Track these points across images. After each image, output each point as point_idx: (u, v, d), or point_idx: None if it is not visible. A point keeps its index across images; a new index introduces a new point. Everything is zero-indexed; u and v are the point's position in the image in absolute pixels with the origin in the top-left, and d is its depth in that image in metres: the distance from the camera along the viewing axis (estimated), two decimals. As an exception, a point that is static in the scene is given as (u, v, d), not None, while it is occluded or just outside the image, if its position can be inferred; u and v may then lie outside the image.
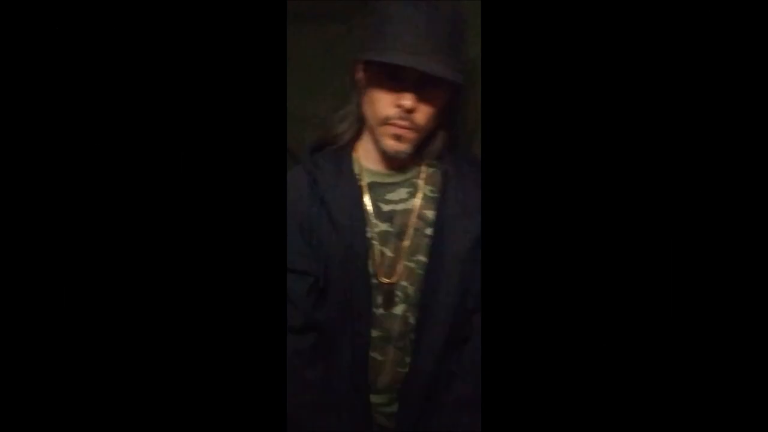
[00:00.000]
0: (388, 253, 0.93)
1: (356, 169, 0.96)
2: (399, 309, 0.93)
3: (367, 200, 0.94)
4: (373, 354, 0.93)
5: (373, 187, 0.95)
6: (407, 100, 0.85)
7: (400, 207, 0.95)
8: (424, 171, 0.96)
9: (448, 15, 0.86)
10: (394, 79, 0.86)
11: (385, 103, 0.88)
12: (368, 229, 0.93)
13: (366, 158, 0.97)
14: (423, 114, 0.88)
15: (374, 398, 0.95)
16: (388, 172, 0.96)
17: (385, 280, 0.92)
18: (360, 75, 0.92)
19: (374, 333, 0.93)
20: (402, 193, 0.95)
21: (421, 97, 0.87)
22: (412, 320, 0.93)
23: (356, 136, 0.98)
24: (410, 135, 0.89)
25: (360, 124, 0.96)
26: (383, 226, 0.94)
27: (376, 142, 0.93)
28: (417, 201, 0.95)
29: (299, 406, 0.92)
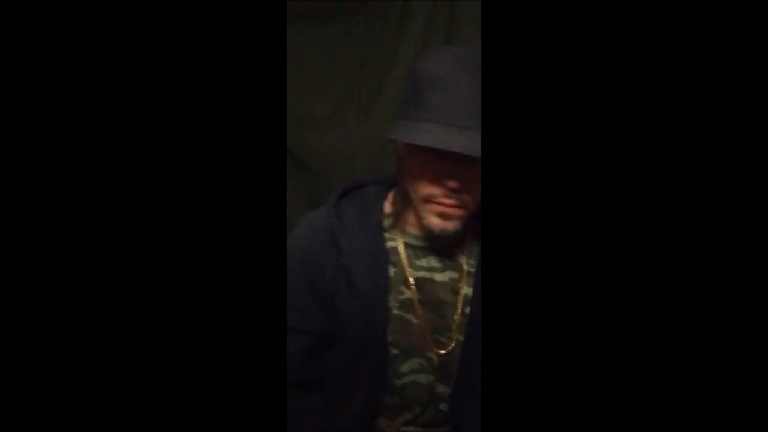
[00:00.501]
0: (414, 320, 0.85)
1: (387, 226, 0.87)
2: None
3: (393, 264, 0.85)
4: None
5: (406, 250, 0.86)
6: (452, 181, 0.75)
7: (432, 276, 0.86)
8: (470, 243, 0.86)
9: None
10: (437, 154, 0.74)
11: (427, 181, 0.77)
12: (391, 297, 0.84)
13: (404, 223, 0.87)
14: (472, 192, 0.77)
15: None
16: (436, 257, 0.86)
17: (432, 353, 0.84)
18: (399, 144, 0.82)
19: (392, 401, 0.87)
20: (435, 261, 0.86)
21: (469, 175, 0.75)
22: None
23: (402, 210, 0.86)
24: (458, 213, 0.79)
25: (406, 201, 0.84)
26: (408, 294, 0.85)
27: (420, 218, 0.82)
28: (453, 274, 0.86)
29: None
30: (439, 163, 0.75)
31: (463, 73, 0.73)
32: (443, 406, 0.87)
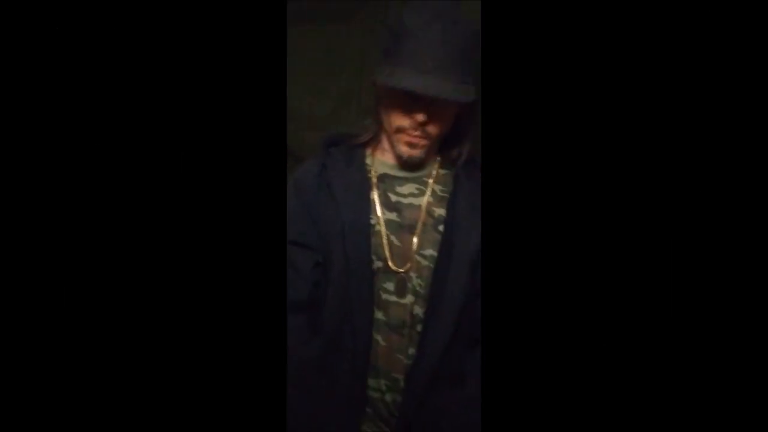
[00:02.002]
0: (396, 242, 0.96)
1: (368, 162, 1.00)
2: (407, 299, 0.95)
3: (375, 189, 0.98)
4: (376, 337, 0.94)
5: (383, 179, 0.99)
6: (420, 115, 0.90)
7: (407, 201, 0.98)
8: (436, 171, 1.00)
9: (465, 31, 0.89)
10: (408, 94, 0.89)
11: (399, 115, 0.93)
12: (373, 215, 0.96)
13: (381, 155, 1.01)
14: (436, 126, 0.93)
15: (371, 382, 0.96)
16: (401, 169, 1.00)
17: (396, 269, 0.94)
18: (377, 85, 0.95)
19: (378, 316, 0.94)
20: (411, 188, 0.99)
21: (434, 112, 0.91)
22: (418, 312, 0.94)
23: (374, 138, 1.02)
24: (423, 142, 0.94)
25: (378, 127, 1.00)
26: (391, 215, 0.97)
27: (392, 146, 0.98)
28: (426, 198, 0.98)
29: (296, 385, 0.92)
30: (409, 101, 0.91)
31: (434, 26, 0.87)
32: (420, 328, 0.96)
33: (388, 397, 0.96)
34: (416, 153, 0.95)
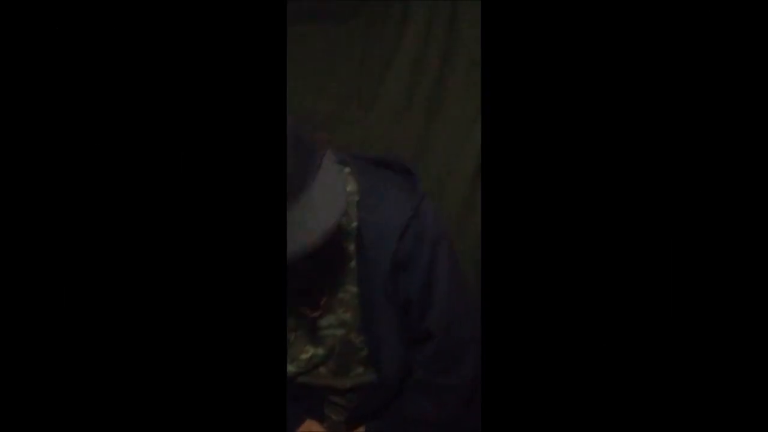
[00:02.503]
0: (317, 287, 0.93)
1: None
2: (336, 332, 0.94)
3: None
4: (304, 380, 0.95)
5: None
6: None
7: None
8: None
9: None
10: None
11: None
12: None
13: None
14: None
15: (336, 398, 0.97)
16: None
17: (311, 313, 0.93)
18: None
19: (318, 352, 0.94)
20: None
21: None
22: (354, 340, 0.94)
23: None
24: None
25: None
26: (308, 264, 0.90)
27: None
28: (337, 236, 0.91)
29: None
30: None
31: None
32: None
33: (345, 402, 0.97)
34: None
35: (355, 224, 0.92)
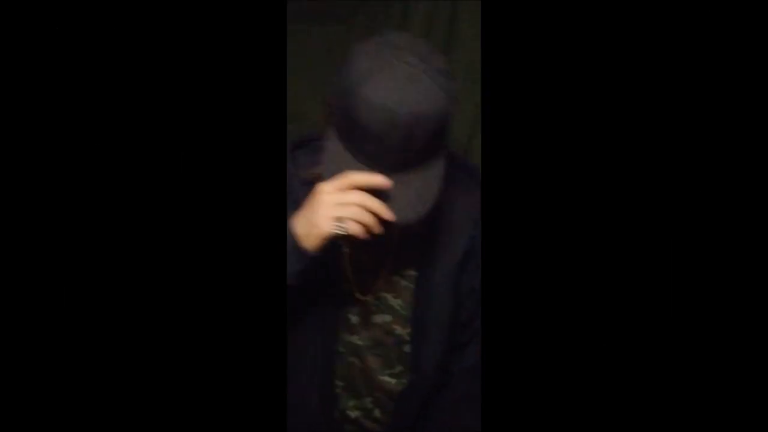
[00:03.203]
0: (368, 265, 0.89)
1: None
2: (379, 319, 0.91)
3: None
4: (352, 359, 0.91)
5: None
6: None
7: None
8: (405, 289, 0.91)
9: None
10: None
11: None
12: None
13: None
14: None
15: (351, 402, 0.94)
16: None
17: (361, 297, 0.89)
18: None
19: (353, 339, 0.91)
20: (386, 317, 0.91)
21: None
22: (400, 332, 0.90)
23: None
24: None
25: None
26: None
27: None
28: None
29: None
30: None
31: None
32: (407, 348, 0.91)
33: (377, 413, 0.93)
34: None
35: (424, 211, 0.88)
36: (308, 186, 0.80)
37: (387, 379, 0.92)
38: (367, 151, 0.72)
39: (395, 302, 0.91)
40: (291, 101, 0.97)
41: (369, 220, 0.72)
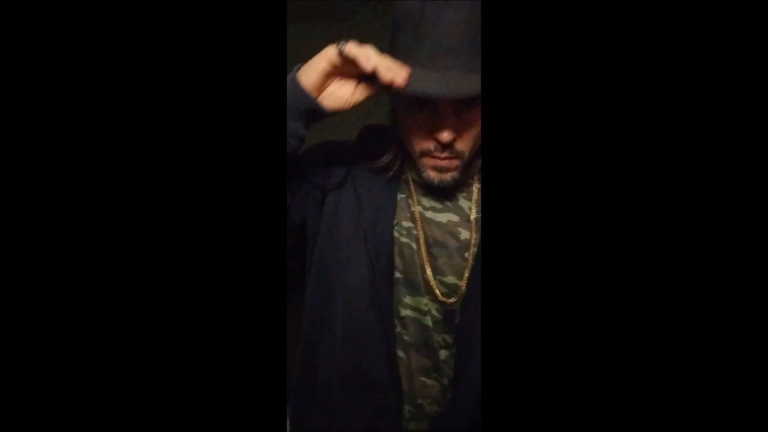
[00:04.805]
0: (417, 256, 0.84)
1: (406, 195, 0.86)
2: (424, 320, 0.85)
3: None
4: (399, 353, 0.85)
5: (421, 214, 0.85)
6: (444, 134, 0.75)
7: (438, 218, 0.85)
8: (475, 191, 0.86)
9: (471, 10, 0.71)
10: (426, 106, 0.75)
11: (420, 137, 0.78)
12: (401, 225, 0.83)
13: (416, 183, 0.86)
14: (466, 141, 0.77)
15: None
16: (437, 197, 0.85)
17: (444, 299, 0.83)
18: (391, 98, 0.82)
19: (398, 330, 0.85)
20: (452, 216, 0.85)
21: (461, 124, 0.76)
22: (439, 339, 0.84)
23: (404, 160, 0.87)
24: (454, 164, 0.79)
25: (404, 150, 0.84)
26: (424, 230, 0.84)
27: (418, 173, 0.83)
28: (467, 225, 0.84)
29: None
30: (425, 115, 0.75)
31: (437, 9, 0.69)
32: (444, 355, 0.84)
33: (412, 426, 0.85)
34: (447, 177, 0.80)
35: (476, 215, 0.85)
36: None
37: (428, 382, 0.85)
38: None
39: (465, 203, 0.85)
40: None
41: (374, 60, 0.70)
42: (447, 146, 0.76)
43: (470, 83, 0.70)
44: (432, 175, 0.80)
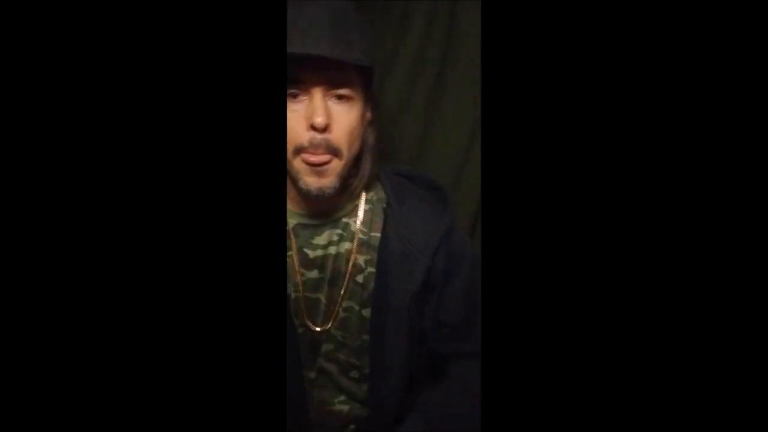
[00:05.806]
0: (323, 300, 0.87)
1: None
2: (331, 353, 0.89)
3: (291, 247, 0.84)
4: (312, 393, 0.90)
5: (297, 231, 0.85)
6: (319, 120, 0.74)
7: (331, 251, 0.86)
8: (361, 208, 0.86)
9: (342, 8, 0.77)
10: (300, 93, 0.76)
11: (294, 130, 0.76)
12: (292, 278, 0.84)
13: (290, 203, 0.84)
14: (340, 134, 0.77)
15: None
16: (314, 216, 0.85)
17: (315, 328, 0.87)
18: None
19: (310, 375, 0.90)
20: (332, 235, 0.86)
21: (334, 114, 0.76)
22: (355, 371, 0.89)
23: None
24: (333, 164, 0.78)
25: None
26: (311, 274, 0.86)
27: (295, 184, 0.80)
28: (348, 245, 0.85)
29: None
30: (300, 105, 0.76)
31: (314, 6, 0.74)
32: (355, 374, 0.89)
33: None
34: (327, 182, 0.78)
35: (378, 234, 0.86)
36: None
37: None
38: None
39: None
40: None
41: None
42: (322, 134, 0.75)
43: (341, 52, 0.72)
44: (309, 181, 0.78)
